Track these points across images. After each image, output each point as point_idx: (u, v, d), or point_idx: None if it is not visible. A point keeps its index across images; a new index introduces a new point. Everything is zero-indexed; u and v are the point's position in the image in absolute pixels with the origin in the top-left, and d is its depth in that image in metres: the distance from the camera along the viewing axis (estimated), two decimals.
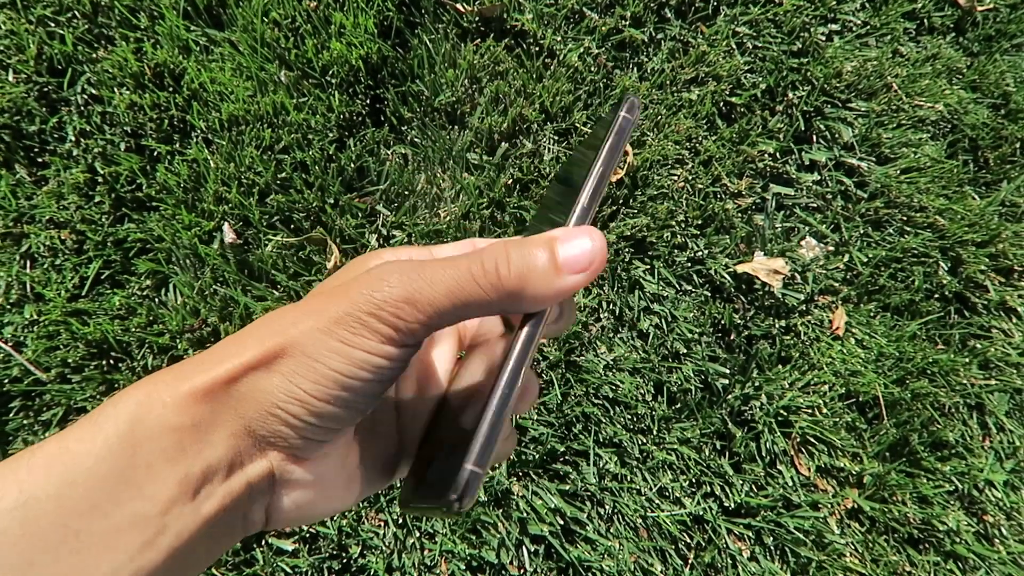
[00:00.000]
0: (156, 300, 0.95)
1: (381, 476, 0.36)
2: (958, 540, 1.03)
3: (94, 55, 1.01)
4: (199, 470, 0.27)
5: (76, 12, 1.01)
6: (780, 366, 1.07)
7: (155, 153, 0.99)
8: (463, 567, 0.91)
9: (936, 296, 1.15)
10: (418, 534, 0.92)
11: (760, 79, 1.17)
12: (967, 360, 1.11)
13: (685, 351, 1.04)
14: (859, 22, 1.24)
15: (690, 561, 0.98)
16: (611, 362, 1.01)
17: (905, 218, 1.16)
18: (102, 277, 0.95)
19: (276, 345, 0.28)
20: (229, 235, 0.97)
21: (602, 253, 0.30)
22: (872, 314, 1.12)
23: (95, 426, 0.26)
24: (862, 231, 1.15)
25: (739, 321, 1.07)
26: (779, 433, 1.04)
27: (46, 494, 0.25)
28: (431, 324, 0.29)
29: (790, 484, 1.02)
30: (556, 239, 0.30)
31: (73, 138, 0.98)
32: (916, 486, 1.03)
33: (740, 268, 1.08)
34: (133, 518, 0.26)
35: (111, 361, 0.93)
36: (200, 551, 0.28)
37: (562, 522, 0.94)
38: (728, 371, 1.04)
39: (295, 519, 0.32)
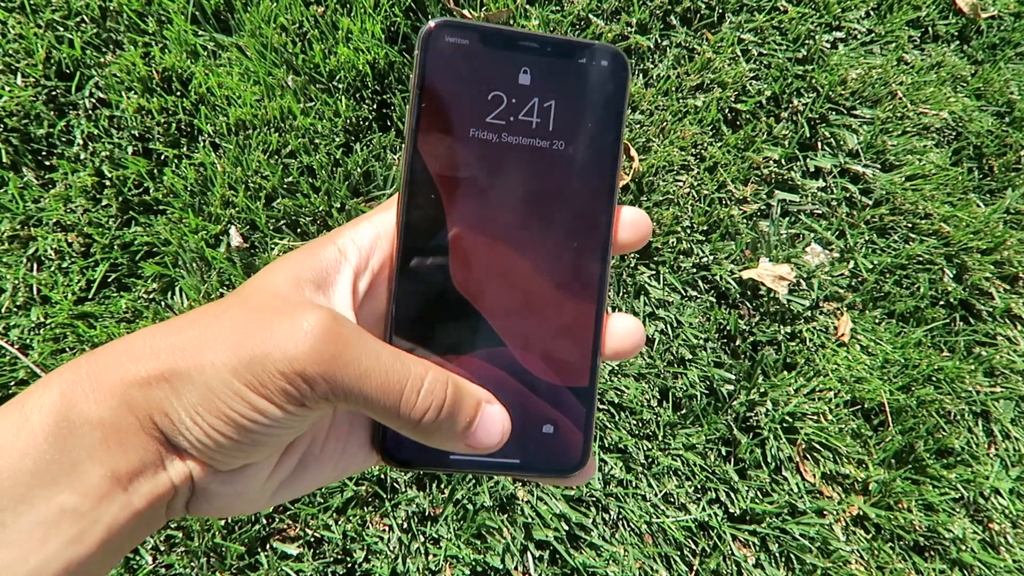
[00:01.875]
0: (162, 303, 0.95)
1: (345, 465, 0.35)
2: (964, 548, 1.03)
3: (102, 59, 1.01)
4: (125, 468, 0.27)
5: (85, 16, 1.02)
6: (785, 372, 1.07)
7: (162, 157, 1.00)
8: (468, 572, 0.91)
9: (941, 303, 1.15)
10: (422, 539, 0.92)
11: (765, 86, 1.17)
12: (972, 367, 1.11)
13: (690, 357, 1.04)
14: (864, 30, 1.24)
15: (695, 568, 0.98)
16: (616, 367, 1.01)
17: (910, 225, 1.16)
18: (109, 280, 0.95)
19: (184, 364, 0.28)
20: (236, 239, 0.97)
21: (504, 433, 0.32)
22: (877, 321, 1.12)
23: (21, 416, 0.27)
24: (867, 238, 1.15)
25: (744, 327, 1.07)
26: (784, 439, 1.03)
27: None
28: (343, 402, 0.29)
29: (795, 491, 1.02)
30: (482, 410, 0.31)
31: (81, 142, 0.98)
32: (922, 493, 1.03)
33: (745, 274, 1.08)
34: (63, 512, 0.26)
35: None
36: (126, 542, 0.28)
37: (567, 528, 0.94)
38: (733, 377, 1.04)
39: (216, 515, 0.32)
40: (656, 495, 0.99)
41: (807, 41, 1.20)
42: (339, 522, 0.91)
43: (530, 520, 0.93)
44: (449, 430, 0.30)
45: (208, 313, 0.30)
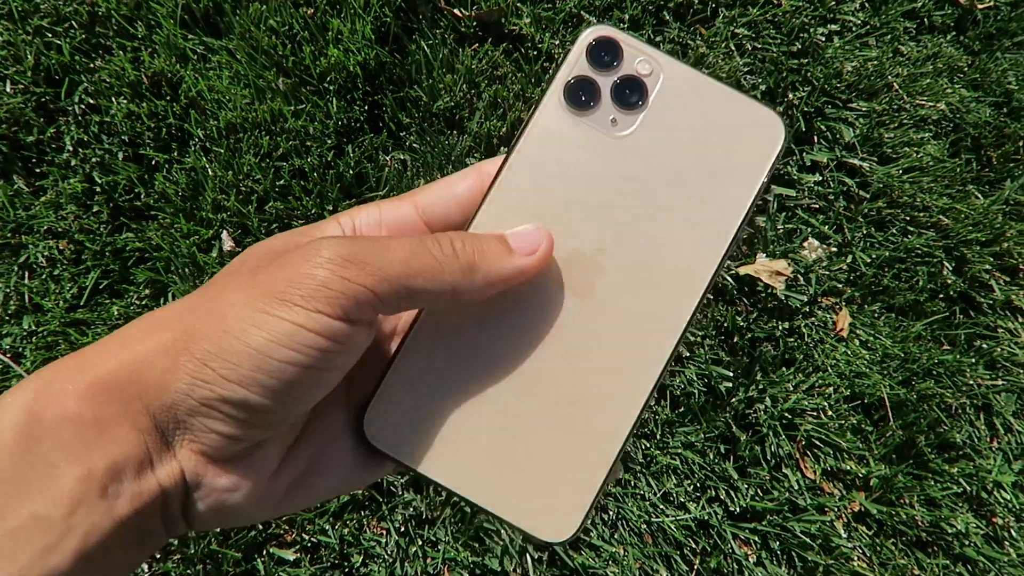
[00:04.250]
0: (155, 309, 0.95)
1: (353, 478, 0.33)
2: (967, 543, 1.02)
3: (91, 65, 1.01)
4: (104, 466, 0.25)
5: (73, 22, 1.01)
6: (784, 368, 1.06)
7: (153, 162, 0.99)
8: (466, 575, 0.90)
9: (941, 296, 1.14)
10: (420, 542, 0.91)
11: (760, 80, 1.16)
12: (973, 360, 1.10)
13: (688, 354, 1.03)
14: (859, 22, 1.23)
15: (696, 567, 0.97)
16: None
17: (908, 218, 1.15)
18: (100, 287, 0.95)
19: (189, 324, 0.26)
20: (228, 243, 0.97)
21: (548, 237, 0.31)
22: (876, 315, 1.11)
23: None
24: (865, 231, 1.14)
25: (742, 324, 1.06)
26: (784, 436, 1.03)
27: None
28: (379, 294, 0.27)
29: (796, 488, 1.01)
30: (503, 233, 0.31)
31: (71, 148, 0.98)
32: (923, 488, 1.02)
33: (743, 270, 1.07)
34: (33, 521, 0.23)
35: None
36: (117, 555, 0.25)
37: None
38: (732, 374, 1.03)
39: (218, 524, 0.29)
40: (655, 494, 0.98)
41: (802, 34, 1.19)
42: (336, 527, 0.90)
43: None
44: (490, 251, 0.29)
45: (208, 285, 0.29)
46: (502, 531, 0.92)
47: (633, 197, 0.32)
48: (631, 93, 0.32)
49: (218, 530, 0.87)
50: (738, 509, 0.99)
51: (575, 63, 0.32)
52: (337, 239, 0.27)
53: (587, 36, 0.32)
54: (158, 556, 0.86)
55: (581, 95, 0.32)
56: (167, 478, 0.26)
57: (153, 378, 0.26)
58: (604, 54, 0.32)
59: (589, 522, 0.94)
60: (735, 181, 0.32)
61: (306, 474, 0.31)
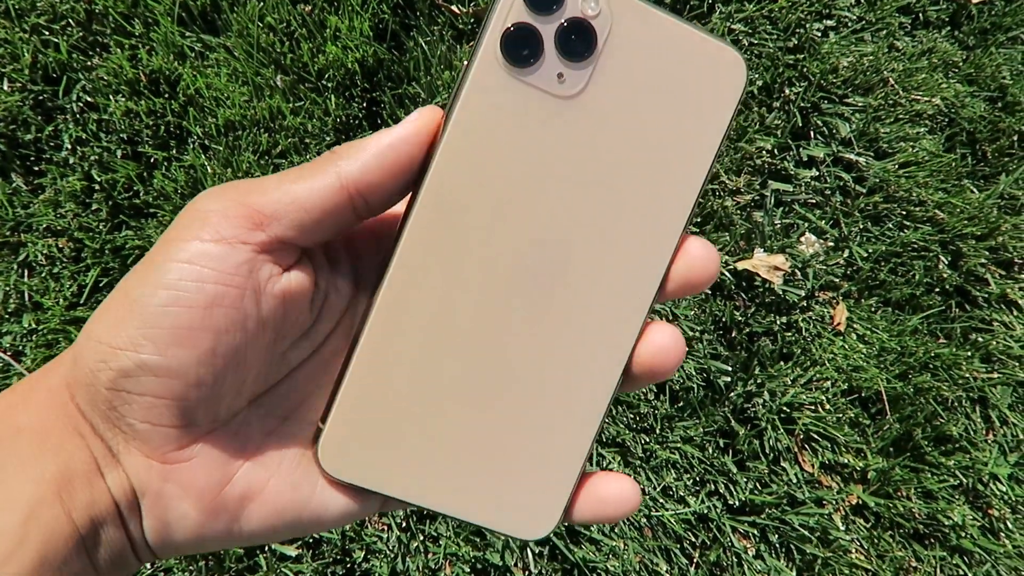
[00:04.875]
0: None
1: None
2: (964, 534, 1.03)
3: (89, 63, 1.01)
4: (54, 472, 0.24)
5: (70, 20, 1.01)
6: (782, 363, 1.07)
7: (152, 160, 0.99)
8: (467, 570, 0.91)
9: (937, 290, 1.14)
10: (422, 537, 0.92)
11: (756, 76, 1.17)
12: (969, 354, 1.11)
13: (687, 349, 1.03)
14: (854, 17, 1.24)
15: (695, 560, 0.98)
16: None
17: (904, 212, 1.16)
18: (100, 285, 0.95)
19: (105, 306, 0.25)
20: None
21: (430, 109, 0.27)
22: (873, 309, 1.12)
23: None
24: (862, 226, 1.15)
25: (740, 318, 1.07)
26: (782, 430, 1.03)
27: None
28: (255, 205, 0.26)
29: (794, 481, 1.02)
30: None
31: (69, 146, 0.98)
32: (920, 481, 1.03)
33: (740, 265, 1.08)
34: None
35: None
36: (80, 571, 0.25)
37: (566, 523, 0.94)
38: (730, 368, 1.04)
39: (170, 543, 0.27)
40: (655, 488, 0.98)
41: (798, 30, 1.19)
42: None
43: None
44: (377, 135, 0.27)
45: None
46: None
47: (587, 166, 0.28)
48: (578, 40, 0.27)
49: None
50: (737, 503, 0.99)
51: (510, 7, 0.26)
52: (217, 185, 0.27)
53: None
54: None
55: (521, 48, 0.27)
56: (116, 485, 0.26)
57: (72, 376, 0.25)
58: None
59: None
60: (696, 133, 0.29)
61: (265, 490, 0.28)
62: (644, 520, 0.97)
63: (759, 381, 1.04)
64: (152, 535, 0.27)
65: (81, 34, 1.01)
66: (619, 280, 0.29)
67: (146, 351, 0.24)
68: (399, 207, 0.29)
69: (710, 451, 1.01)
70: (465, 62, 0.28)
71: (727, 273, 1.07)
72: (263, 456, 0.29)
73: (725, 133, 0.29)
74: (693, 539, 0.98)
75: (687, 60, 0.28)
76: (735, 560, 0.98)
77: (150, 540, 0.27)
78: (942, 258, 1.15)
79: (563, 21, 0.27)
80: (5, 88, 0.97)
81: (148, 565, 0.85)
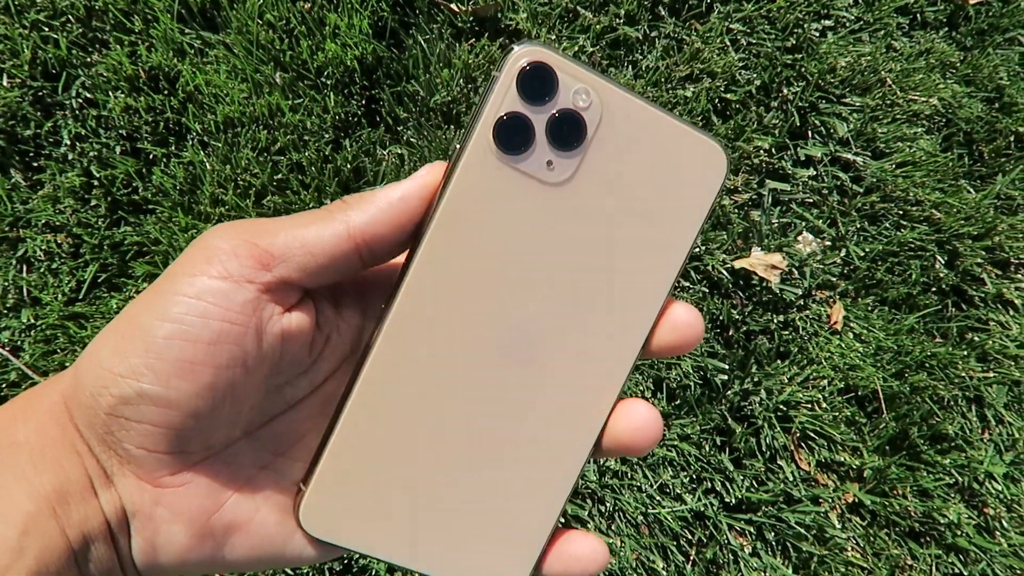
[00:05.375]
0: None
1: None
2: (959, 533, 1.03)
3: (88, 59, 1.01)
4: (50, 488, 0.25)
5: (70, 16, 1.01)
6: (779, 361, 1.07)
7: (151, 156, 0.99)
8: None
9: (933, 289, 1.15)
10: None
11: (755, 75, 1.17)
12: (965, 353, 1.11)
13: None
14: (852, 17, 1.24)
15: (692, 557, 0.98)
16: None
17: (901, 212, 1.16)
18: (99, 280, 0.95)
19: (103, 332, 0.26)
20: None
21: (436, 165, 0.29)
22: (870, 308, 1.12)
23: None
24: (859, 225, 1.15)
25: (737, 317, 1.07)
26: (779, 428, 1.04)
27: None
28: (265, 247, 0.26)
29: (790, 479, 1.02)
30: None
31: (68, 142, 0.98)
32: (916, 479, 1.04)
33: (738, 264, 1.08)
34: None
35: None
36: None
37: (563, 520, 0.94)
38: (727, 367, 1.04)
39: (157, 568, 0.28)
40: (652, 486, 0.99)
41: (796, 30, 1.20)
42: None
43: None
44: (376, 192, 0.28)
45: None
46: None
47: (572, 251, 0.29)
48: (569, 131, 0.28)
49: None
50: (734, 500, 1.00)
51: (504, 96, 0.27)
52: (234, 226, 0.27)
53: (517, 61, 0.27)
54: None
55: (513, 136, 0.28)
56: (108, 504, 0.26)
57: (72, 397, 0.26)
58: (537, 83, 0.27)
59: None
60: (676, 221, 0.30)
61: (252, 522, 0.29)
62: (641, 517, 0.98)
63: (756, 379, 1.05)
64: (140, 556, 0.27)
65: (81, 30, 1.01)
66: (596, 359, 0.31)
67: (147, 380, 0.25)
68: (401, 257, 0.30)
69: (707, 449, 1.02)
70: (457, 145, 0.29)
71: (724, 271, 1.08)
72: (253, 489, 0.29)
73: (706, 218, 0.30)
74: (690, 536, 0.99)
75: (672, 151, 0.29)
76: (731, 557, 0.99)
77: (137, 560, 0.28)
78: (939, 258, 1.15)
79: (555, 112, 0.28)
80: (5, 84, 0.98)
81: None
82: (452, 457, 0.31)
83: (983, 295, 1.16)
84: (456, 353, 0.30)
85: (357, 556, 0.90)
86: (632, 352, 0.31)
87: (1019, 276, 1.18)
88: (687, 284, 1.07)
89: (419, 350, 0.29)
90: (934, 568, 1.02)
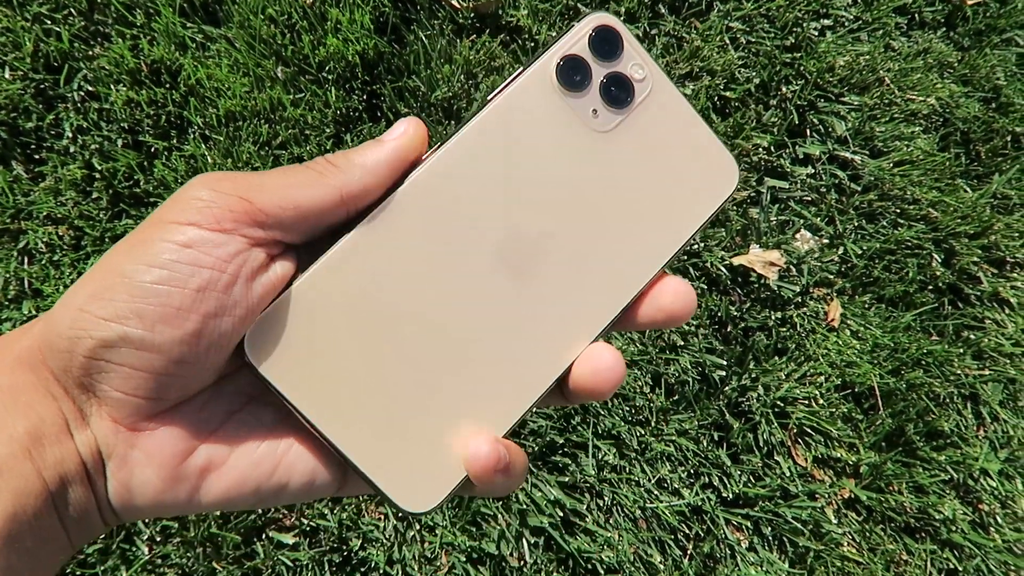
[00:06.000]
0: None
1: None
2: (954, 528, 1.04)
3: (90, 52, 1.01)
4: (23, 430, 0.25)
5: (72, 9, 1.01)
6: (776, 358, 1.08)
7: (152, 149, 1.00)
8: (463, 559, 0.91)
9: (930, 287, 1.16)
10: (418, 527, 0.92)
11: (754, 74, 1.18)
12: (961, 350, 1.12)
13: (682, 343, 1.04)
14: (851, 17, 1.25)
15: (689, 552, 0.99)
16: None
17: (899, 210, 1.17)
18: None
19: (81, 279, 0.26)
20: None
21: (414, 120, 0.30)
22: (867, 305, 1.13)
23: None
24: (856, 223, 1.16)
25: (735, 313, 1.08)
26: (776, 424, 1.04)
27: None
28: (258, 203, 0.27)
29: (787, 474, 1.03)
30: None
31: (70, 134, 0.98)
32: (912, 475, 1.04)
33: (736, 261, 1.09)
34: None
35: None
36: (49, 526, 0.25)
37: (561, 514, 0.95)
38: (725, 363, 1.05)
39: (131, 508, 0.28)
40: (650, 480, 0.99)
41: (795, 29, 1.20)
42: (334, 511, 0.91)
43: (525, 507, 0.94)
44: (360, 147, 0.29)
45: None
46: (499, 515, 0.93)
47: (590, 193, 0.31)
48: (620, 91, 0.31)
49: (218, 513, 0.88)
50: (731, 495, 1.00)
51: (575, 42, 0.31)
52: (212, 172, 0.28)
53: (593, 20, 0.31)
54: (158, 540, 0.87)
55: (574, 74, 0.31)
56: (84, 445, 0.26)
57: (46, 341, 0.26)
58: (606, 44, 0.31)
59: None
60: (684, 210, 0.33)
61: (225, 464, 0.29)
62: (639, 512, 0.98)
63: (753, 375, 1.05)
64: (115, 497, 0.28)
65: (83, 23, 1.01)
66: (581, 296, 0.32)
67: (131, 324, 0.25)
68: None
69: (705, 444, 1.02)
70: (517, 70, 0.31)
71: (723, 268, 1.08)
72: (226, 432, 0.29)
73: (711, 215, 0.33)
74: (687, 531, 0.99)
75: (696, 149, 0.33)
76: (728, 552, 0.99)
77: (113, 502, 0.28)
78: (935, 256, 1.16)
79: (613, 71, 0.31)
80: (7, 76, 0.98)
81: (146, 550, 0.85)
82: (415, 344, 0.30)
83: (979, 293, 1.17)
84: (456, 241, 0.30)
85: (357, 548, 0.90)
86: (618, 304, 0.32)
87: (1015, 275, 1.19)
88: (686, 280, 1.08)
89: (424, 226, 0.30)
90: (929, 563, 1.03)
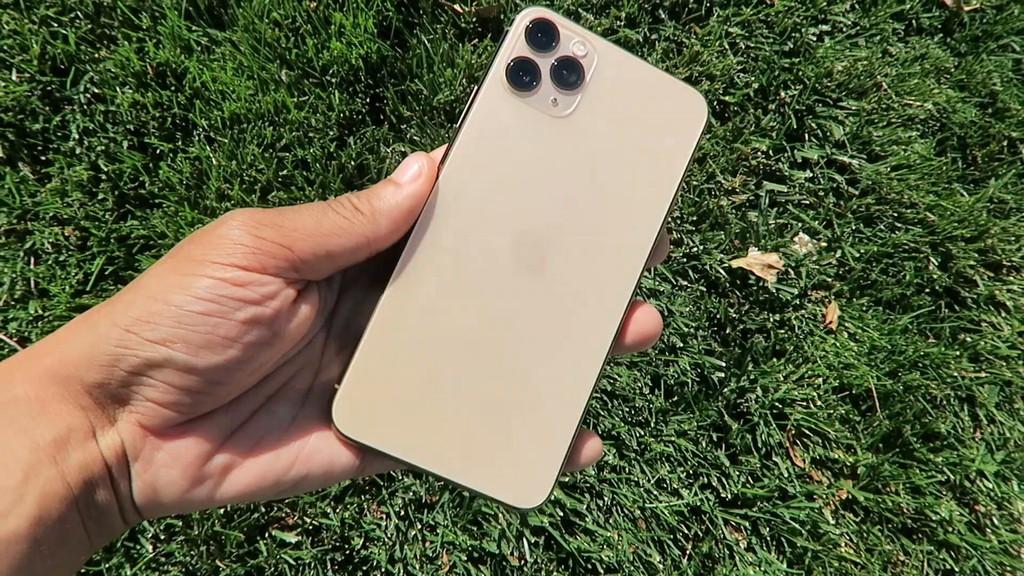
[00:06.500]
0: None
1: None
2: (951, 530, 1.05)
3: (97, 55, 1.02)
4: (50, 438, 0.26)
5: (79, 12, 1.02)
6: (775, 359, 1.09)
7: (158, 151, 1.01)
8: (464, 558, 0.92)
9: (927, 290, 1.17)
10: (420, 526, 0.93)
11: (753, 78, 1.19)
12: (958, 353, 1.13)
13: (681, 345, 1.05)
14: (849, 23, 1.26)
15: (688, 552, 0.99)
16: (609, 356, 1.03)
17: (896, 214, 1.18)
18: (106, 273, 0.96)
19: (116, 300, 0.28)
20: None
21: (425, 157, 0.32)
22: (864, 308, 1.14)
23: None
24: (854, 227, 1.17)
25: (734, 315, 1.09)
26: (774, 425, 1.05)
27: None
28: (295, 251, 0.29)
29: (785, 475, 1.04)
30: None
31: (76, 136, 0.99)
32: (909, 477, 1.05)
33: (735, 263, 1.10)
34: None
35: None
36: (72, 529, 0.26)
37: (561, 513, 0.96)
38: (724, 364, 1.06)
39: (155, 505, 0.29)
40: (649, 481, 1.00)
41: (793, 34, 1.22)
42: (337, 510, 0.92)
43: None
44: (381, 188, 0.31)
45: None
46: (500, 515, 0.94)
47: (576, 174, 0.33)
48: (569, 73, 0.33)
49: (221, 512, 0.89)
50: (730, 496, 1.01)
51: (514, 45, 0.33)
52: (246, 209, 0.30)
53: (524, 17, 0.33)
54: (162, 538, 0.87)
55: (522, 75, 0.33)
56: (108, 448, 0.28)
57: (83, 356, 0.27)
58: (542, 35, 0.33)
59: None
60: (666, 156, 0.34)
61: (247, 461, 0.31)
62: (638, 512, 0.99)
63: (752, 377, 1.06)
64: (140, 497, 0.29)
65: (89, 26, 1.02)
66: (604, 275, 0.34)
67: (177, 348, 0.27)
68: None
69: (703, 445, 1.03)
70: (474, 88, 0.33)
71: (722, 271, 1.09)
72: (248, 430, 0.32)
73: (691, 155, 0.35)
74: (686, 531, 1.00)
75: (656, 94, 0.34)
76: (727, 552, 1.00)
77: (138, 501, 0.29)
78: (932, 259, 1.17)
79: (557, 57, 0.33)
80: (14, 78, 0.99)
81: (150, 548, 0.86)
82: (476, 366, 0.33)
83: (975, 297, 1.18)
84: (473, 264, 0.33)
85: (359, 546, 0.91)
86: (639, 261, 0.34)
87: (1011, 278, 1.20)
88: (685, 283, 1.09)
89: (439, 262, 0.32)
90: (926, 564, 1.04)
